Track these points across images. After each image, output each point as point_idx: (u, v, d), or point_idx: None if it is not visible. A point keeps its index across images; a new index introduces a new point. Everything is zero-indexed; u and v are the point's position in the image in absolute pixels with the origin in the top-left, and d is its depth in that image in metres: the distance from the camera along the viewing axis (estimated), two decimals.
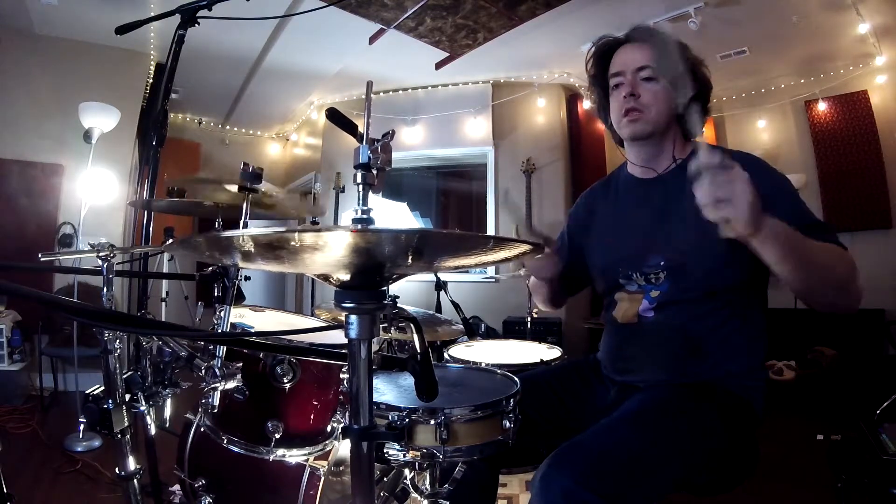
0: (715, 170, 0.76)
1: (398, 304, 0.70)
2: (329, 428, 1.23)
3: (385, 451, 0.93)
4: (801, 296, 0.94)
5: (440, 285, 2.99)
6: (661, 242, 1.13)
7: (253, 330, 1.34)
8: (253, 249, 0.59)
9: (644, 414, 1.02)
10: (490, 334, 4.44)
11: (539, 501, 0.85)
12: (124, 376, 1.17)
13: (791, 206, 1.02)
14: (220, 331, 1.17)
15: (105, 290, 1.17)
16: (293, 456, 1.19)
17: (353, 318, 0.65)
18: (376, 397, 0.97)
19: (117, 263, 1.20)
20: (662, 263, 1.13)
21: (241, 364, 1.11)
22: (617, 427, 0.98)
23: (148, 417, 1.33)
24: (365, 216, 0.65)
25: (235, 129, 6.08)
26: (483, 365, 1.51)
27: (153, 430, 1.45)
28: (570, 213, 1.44)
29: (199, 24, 1.61)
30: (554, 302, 1.42)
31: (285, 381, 1.15)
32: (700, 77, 1.15)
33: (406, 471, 1.08)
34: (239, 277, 1.21)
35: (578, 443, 0.93)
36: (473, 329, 2.99)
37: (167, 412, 1.58)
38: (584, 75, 1.29)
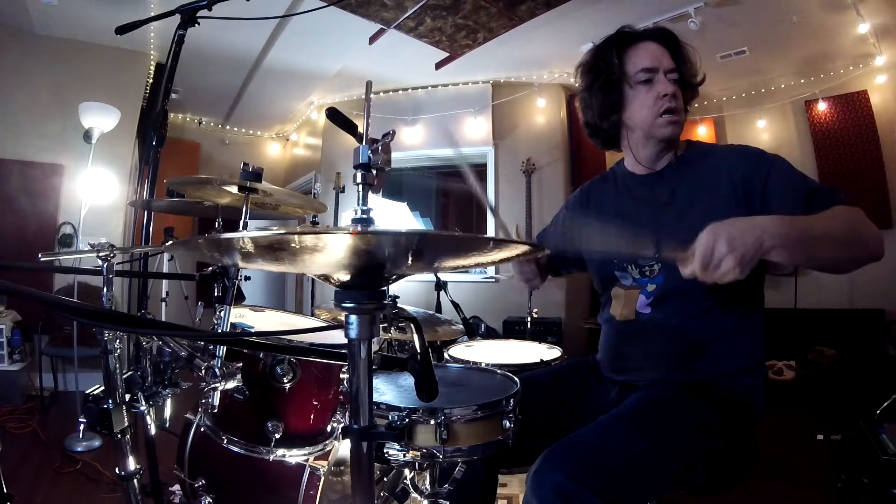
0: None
1: (398, 304, 0.70)
2: (329, 428, 1.23)
3: (385, 451, 0.93)
4: (825, 271, 0.98)
5: (440, 285, 2.99)
6: (656, 235, 1.13)
7: (253, 330, 1.34)
8: (253, 250, 0.59)
9: (641, 412, 1.02)
10: (490, 334, 4.44)
11: (532, 497, 0.86)
12: (124, 376, 1.17)
13: (790, 181, 1.03)
14: (220, 331, 1.17)
15: (105, 290, 1.17)
16: (293, 456, 1.19)
17: (353, 318, 0.65)
18: (376, 397, 0.97)
19: (117, 263, 1.20)
20: (657, 256, 1.13)
21: (241, 364, 1.11)
22: (613, 425, 0.98)
23: (148, 417, 1.33)
24: (365, 216, 0.65)
25: (235, 129, 6.08)
26: (483, 365, 1.51)
27: (153, 430, 1.45)
28: (568, 201, 1.44)
29: (199, 24, 1.61)
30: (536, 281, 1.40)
31: (285, 381, 1.15)
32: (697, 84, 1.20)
33: (406, 471, 1.07)
34: (239, 277, 1.21)
35: (573, 439, 0.93)
36: (473, 329, 2.99)
37: (167, 412, 1.57)
38: None
